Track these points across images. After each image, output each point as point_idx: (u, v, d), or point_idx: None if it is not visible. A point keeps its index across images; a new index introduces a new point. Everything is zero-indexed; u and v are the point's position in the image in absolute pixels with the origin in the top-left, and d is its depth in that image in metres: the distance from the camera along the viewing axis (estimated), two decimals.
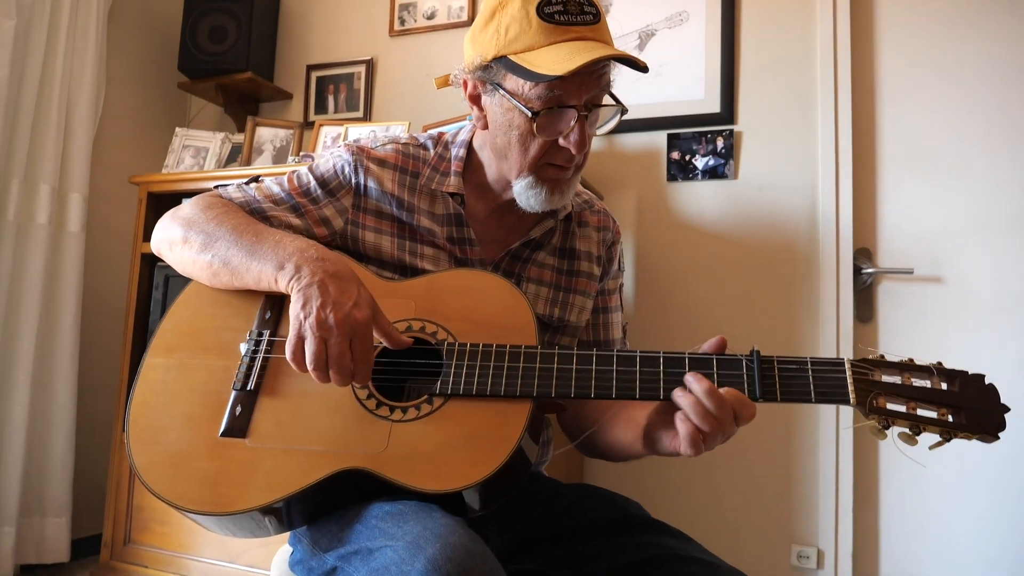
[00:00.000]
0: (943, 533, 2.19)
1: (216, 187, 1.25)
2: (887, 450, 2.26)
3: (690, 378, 0.95)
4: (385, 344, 1.04)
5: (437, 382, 1.02)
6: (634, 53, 2.55)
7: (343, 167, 1.22)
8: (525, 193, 1.14)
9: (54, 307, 2.55)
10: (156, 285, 2.40)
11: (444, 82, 1.22)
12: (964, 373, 0.93)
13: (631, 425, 1.11)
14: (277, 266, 1.03)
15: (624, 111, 1.14)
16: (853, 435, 2.24)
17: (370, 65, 3.03)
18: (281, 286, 1.02)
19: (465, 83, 1.16)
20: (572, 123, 1.07)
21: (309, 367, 0.96)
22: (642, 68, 1.06)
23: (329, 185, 1.22)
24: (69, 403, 2.55)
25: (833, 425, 2.26)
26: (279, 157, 2.78)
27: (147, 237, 2.44)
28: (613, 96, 1.14)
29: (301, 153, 2.65)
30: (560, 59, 1.02)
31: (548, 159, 1.12)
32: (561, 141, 1.09)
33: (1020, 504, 2.11)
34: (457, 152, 1.25)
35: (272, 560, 1.28)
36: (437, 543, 0.81)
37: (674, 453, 1.00)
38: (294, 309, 0.97)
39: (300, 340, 0.96)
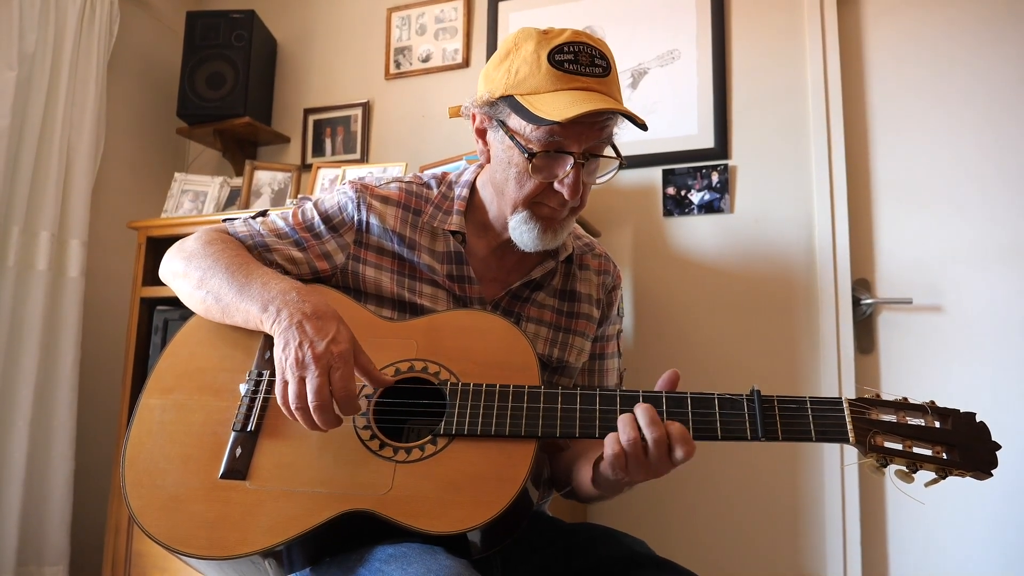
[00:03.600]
0: (951, 566, 2.15)
1: (224, 220, 1.27)
2: (893, 484, 2.23)
3: (638, 409, 0.97)
4: (367, 384, 1.04)
5: (441, 423, 1.02)
6: (627, 92, 2.59)
7: (346, 204, 1.24)
8: (519, 228, 1.16)
9: (53, 353, 2.54)
10: (155, 329, 2.40)
11: (455, 112, 1.24)
12: (956, 411, 0.95)
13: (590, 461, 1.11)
14: (261, 308, 1.04)
15: (623, 165, 1.16)
16: (858, 468, 2.22)
17: (366, 108, 3.07)
18: (266, 328, 1.04)
19: (473, 116, 1.19)
20: (568, 168, 1.09)
21: (292, 407, 0.96)
22: (640, 125, 1.08)
23: (332, 221, 1.23)
24: (68, 449, 2.53)
25: (838, 458, 2.24)
26: (277, 200, 2.79)
27: (146, 282, 2.45)
28: (615, 148, 1.16)
29: (299, 196, 2.65)
30: (561, 106, 1.04)
31: (542, 199, 1.13)
32: (556, 185, 1.11)
33: None
34: (460, 192, 1.26)
35: None
36: None
37: (605, 478, 1.03)
38: (276, 352, 0.99)
39: (284, 383, 0.97)
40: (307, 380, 0.95)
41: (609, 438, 0.97)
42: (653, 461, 0.95)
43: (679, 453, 0.95)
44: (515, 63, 1.11)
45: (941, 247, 2.28)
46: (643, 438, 0.95)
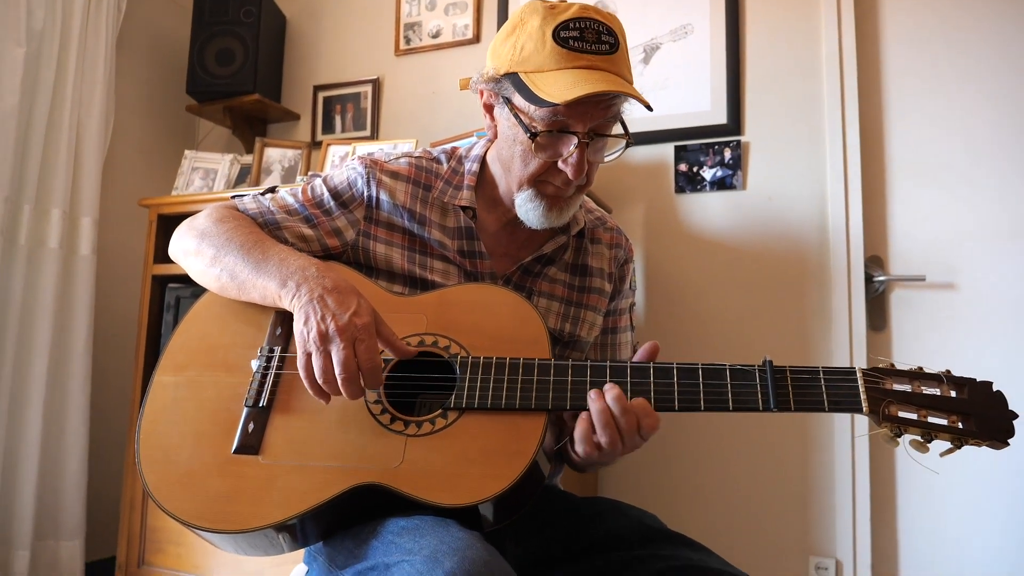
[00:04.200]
0: (962, 542, 2.16)
1: (233, 197, 1.26)
2: (903, 459, 2.23)
3: (609, 390, 0.99)
4: (390, 354, 1.04)
5: (451, 396, 1.02)
6: (639, 67, 2.57)
7: (356, 180, 1.23)
8: (525, 206, 1.15)
9: (66, 330, 2.56)
10: (167, 306, 2.41)
11: (466, 84, 1.24)
12: (972, 380, 0.94)
13: None
14: (280, 283, 1.04)
15: (630, 143, 1.14)
16: (869, 444, 2.22)
17: (376, 84, 3.05)
18: (284, 304, 1.04)
19: (481, 92, 1.18)
20: (572, 148, 1.07)
21: (319, 380, 0.97)
22: (645, 105, 1.07)
23: (342, 197, 1.23)
24: (82, 426, 2.55)
25: (848, 435, 2.24)
26: (287, 177, 2.79)
27: (158, 259, 2.45)
28: (624, 124, 1.14)
29: (309, 173, 2.65)
30: (564, 86, 1.02)
31: (547, 178, 1.13)
32: (560, 164, 1.09)
33: None
34: (471, 167, 1.26)
35: None
36: (455, 556, 0.81)
37: (576, 454, 1.04)
38: (297, 327, 0.99)
39: (308, 356, 0.98)
40: (332, 353, 0.96)
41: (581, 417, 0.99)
42: (624, 433, 0.98)
43: (644, 424, 0.97)
44: (520, 39, 1.09)
45: (955, 224, 2.26)
46: (612, 414, 0.97)
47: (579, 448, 1.00)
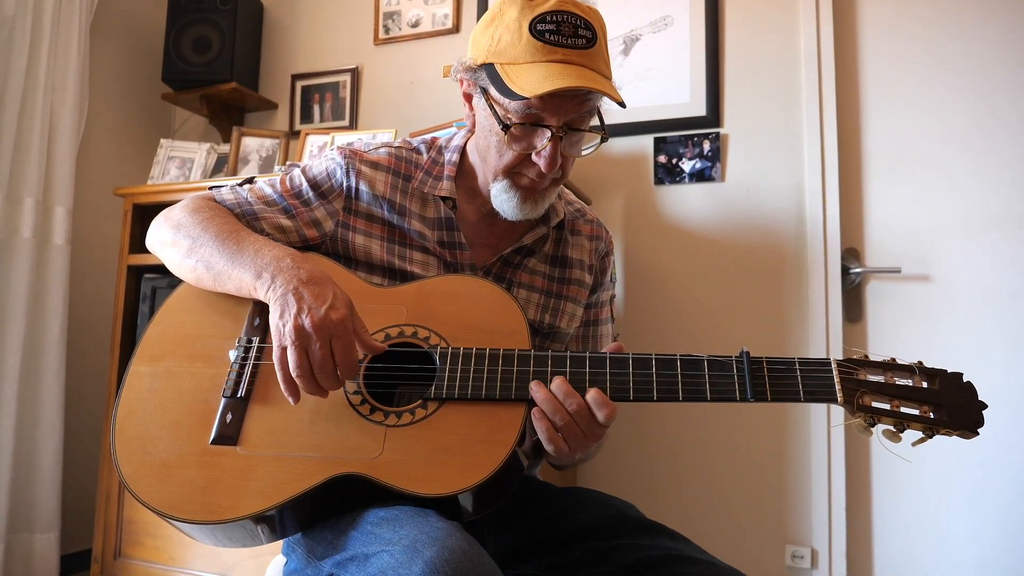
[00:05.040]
0: (937, 531, 2.19)
1: (211, 188, 1.25)
2: (878, 449, 2.27)
3: (556, 381, 0.99)
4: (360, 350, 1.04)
5: (431, 387, 1.02)
6: (619, 59, 2.57)
7: (335, 170, 1.23)
8: (500, 197, 1.15)
9: (40, 321, 2.52)
10: (143, 297, 2.38)
11: (448, 72, 1.23)
12: (943, 372, 0.96)
13: None
14: (255, 275, 1.04)
15: (605, 138, 1.14)
16: (845, 434, 2.25)
17: (355, 74, 3.03)
18: (260, 295, 1.03)
19: (461, 80, 1.17)
20: (545, 141, 1.07)
21: (294, 376, 0.96)
22: (618, 103, 1.07)
23: (321, 188, 1.22)
24: (56, 418, 2.52)
25: (824, 425, 2.27)
26: (265, 167, 2.77)
27: (133, 249, 2.43)
28: (601, 118, 1.14)
29: (288, 162, 2.63)
30: (537, 80, 1.02)
31: (521, 169, 1.13)
32: (533, 156, 1.09)
33: (1013, 501, 2.12)
34: (450, 157, 1.25)
35: (266, 571, 1.27)
36: (434, 546, 0.81)
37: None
38: (272, 320, 0.99)
39: (283, 350, 0.97)
40: (309, 349, 0.96)
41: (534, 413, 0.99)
42: (582, 426, 0.98)
43: (600, 415, 0.97)
44: (498, 30, 1.09)
45: (930, 217, 2.28)
46: (565, 408, 0.98)
47: (547, 445, 1.00)
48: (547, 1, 1.07)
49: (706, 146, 2.48)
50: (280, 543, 1.12)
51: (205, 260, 1.10)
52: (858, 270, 2.32)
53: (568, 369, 1.01)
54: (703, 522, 2.38)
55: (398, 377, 1.07)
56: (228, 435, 1.01)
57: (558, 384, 0.99)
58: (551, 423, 0.98)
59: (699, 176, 2.48)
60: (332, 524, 1.00)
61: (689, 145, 2.50)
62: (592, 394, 0.97)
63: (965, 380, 0.95)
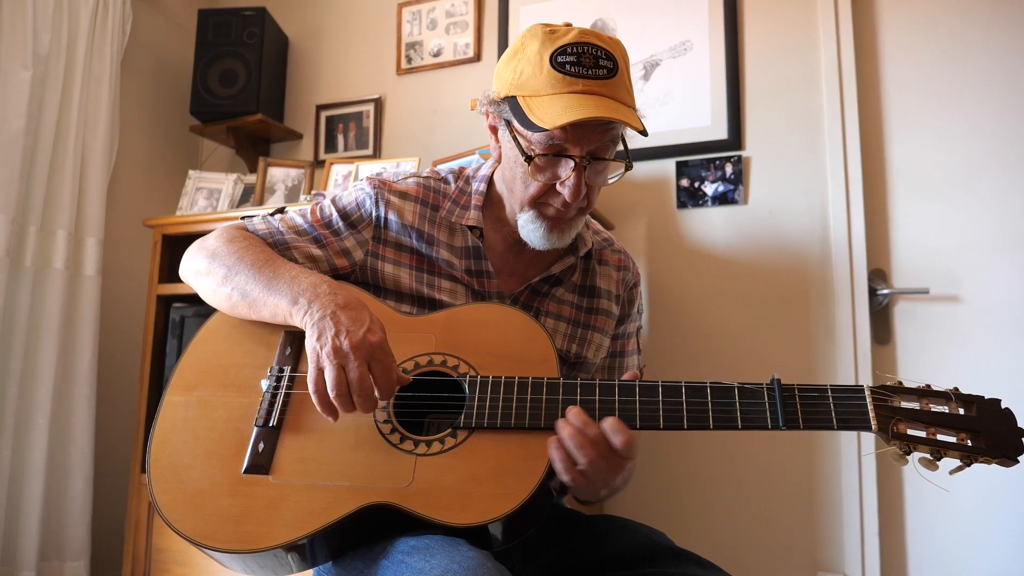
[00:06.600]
0: (972, 559, 2.14)
1: (243, 218, 1.27)
2: (911, 475, 2.23)
3: (572, 411, 0.98)
4: None
5: (461, 415, 1.02)
6: (639, 84, 2.58)
7: (364, 200, 1.24)
8: (527, 227, 1.16)
9: (71, 351, 2.56)
10: (172, 326, 2.41)
11: (474, 105, 1.25)
12: (981, 398, 0.94)
13: None
14: (291, 301, 1.05)
15: (629, 167, 1.15)
16: (876, 459, 2.21)
17: (378, 103, 3.07)
18: (296, 321, 1.04)
19: (487, 113, 1.19)
20: (569, 171, 1.08)
21: (331, 395, 0.96)
22: (639, 131, 1.08)
23: (350, 218, 1.24)
24: (87, 447, 2.55)
25: (855, 450, 2.23)
26: (291, 196, 2.80)
27: (162, 279, 2.46)
28: (626, 145, 1.15)
29: (313, 191, 2.68)
30: (558, 111, 1.03)
31: (547, 199, 1.14)
32: (558, 186, 1.10)
33: None
34: (478, 186, 1.27)
35: None
36: None
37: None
38: (310, 343, 0.99)
39: (320, 371, 0.98)
40: (347, 369, 0.96)
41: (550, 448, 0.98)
42: (598, 455, 0.96)
43: (616, 442, 0.95)
44: (520, 63, 1.10)
45: (958, 236, 2.26)
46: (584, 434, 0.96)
47: (563, 476, 0.98)
48: (568, 33, 1.08)
49: (728, 169, 2.48)
50: (311, 571, 1.13)
51: (240, 288, 1.11)
52: (886, 291, 2.30)
53: (597, 397, 1.01)
54: (733, 549, 2.34)
55: (428, 406, 1.07)
56: (260, 464, 1.02)
57: (575, 413, 0.98)
58: (566, 452, 0.97)
59: (722, 199, 2.48)
60: (363, 553, 1.00)
61: (711, 168, 2.50)
62: (608, 422, 0.96)
63: (1004, 407, 0.93)
